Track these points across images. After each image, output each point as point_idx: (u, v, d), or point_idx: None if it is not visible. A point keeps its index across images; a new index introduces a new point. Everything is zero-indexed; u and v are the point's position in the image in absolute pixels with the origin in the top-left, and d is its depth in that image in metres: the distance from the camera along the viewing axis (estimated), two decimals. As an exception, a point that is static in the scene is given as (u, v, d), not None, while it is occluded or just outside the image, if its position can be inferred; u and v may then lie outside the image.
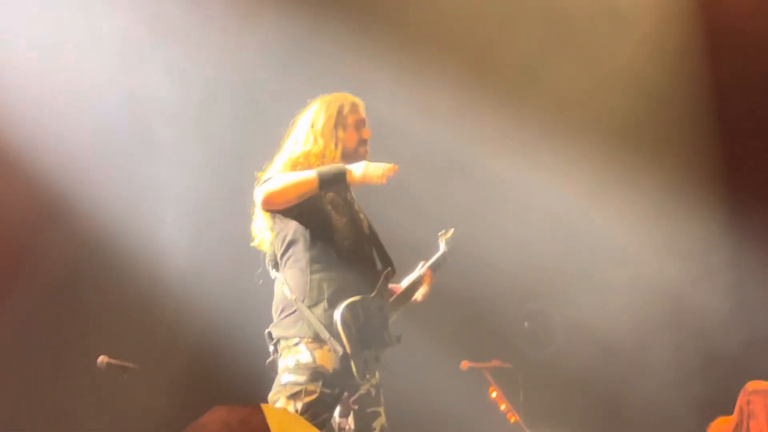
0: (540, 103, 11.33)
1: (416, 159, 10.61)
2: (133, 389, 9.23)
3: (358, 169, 7.89)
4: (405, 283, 8.27)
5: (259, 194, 7.79)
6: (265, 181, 7.81)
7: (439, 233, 8.54)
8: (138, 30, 10.79)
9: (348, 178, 7.81)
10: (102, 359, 8.89)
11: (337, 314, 7.72)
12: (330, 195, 7.89)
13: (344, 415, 7.89)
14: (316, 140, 8.01)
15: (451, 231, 8.55)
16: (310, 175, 7.70)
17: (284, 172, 7.84)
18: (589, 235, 11.32)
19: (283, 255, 7.88)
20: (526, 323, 11.26)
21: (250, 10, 11.21)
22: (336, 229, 7.89)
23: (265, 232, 7.99)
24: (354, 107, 8.11)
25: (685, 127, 11.92)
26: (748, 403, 9.75)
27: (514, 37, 11.49)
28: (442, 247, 8.50)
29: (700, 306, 11.64)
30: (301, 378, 7.60)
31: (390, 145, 9.78)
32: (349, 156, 7.93)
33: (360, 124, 8.05)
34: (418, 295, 8.32)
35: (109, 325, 10.28)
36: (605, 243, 11.40)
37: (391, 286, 8.16)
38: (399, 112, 10.60)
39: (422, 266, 8.36)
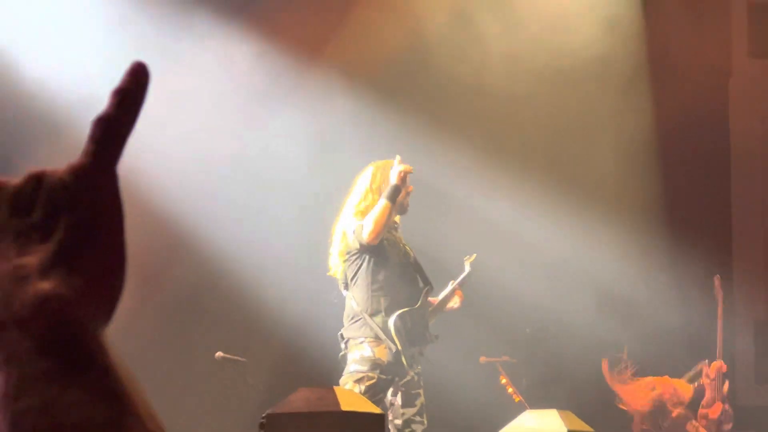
0: (537, 168, 11.15)
1: (446, 207, 10.56)
2: (241, 378, 9.35)
3: (394, 177, 7.93)
4: (441, 296, 8.42)
5: (365, 236, 7.85)
6: (362, 227, 7.85)
7: (465, 257, 8.65)
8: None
9: (399, 183, 7.85)
10: (218, 354, 9.11)
11: (391, 321, 7.91)
12: (383, 239, 7.98)
13: (395, 394, 8.05)
14: (374, 196, 8.02)
15: (474, 255, 8.63)
16: (383, 203, 7.79)
17: (358, 219, 7.93)
18: (568, 264, 11.08)
19: (352, 278, 8.01)
20: (527, 329, 10.93)
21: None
22: (390, 259, 8.03)
23: (338, 264, 8.10)
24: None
25: (641, 179, 11.79)
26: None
27: (523, 120, 11.17)
28: (467, 268, 8.58)
29: (644, 306, 11.26)
30: (364, 368, 7.86)
31: (431, 200, 9.84)
32: (402, 207, 8.07)
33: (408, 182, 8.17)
34: (453, 304, 8.41)
35: (222, 330, 10.19)
36: (579, 270, 11.09)
37: (430, 299, 8.28)
38: (440, 176, 10.43)
39: (452, 284, 8.47)
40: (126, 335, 9.42)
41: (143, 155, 9.40)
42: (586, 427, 7.64)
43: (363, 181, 8.11)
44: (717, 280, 10.45)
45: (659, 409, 10.01)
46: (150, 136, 9.08)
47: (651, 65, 11.32)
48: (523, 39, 10.90)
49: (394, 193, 7.76)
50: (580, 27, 10.97)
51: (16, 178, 0.96)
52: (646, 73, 11.23)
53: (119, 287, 0.97)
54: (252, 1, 10.50)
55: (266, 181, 10.37)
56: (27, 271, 0.93)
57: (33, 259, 0.94)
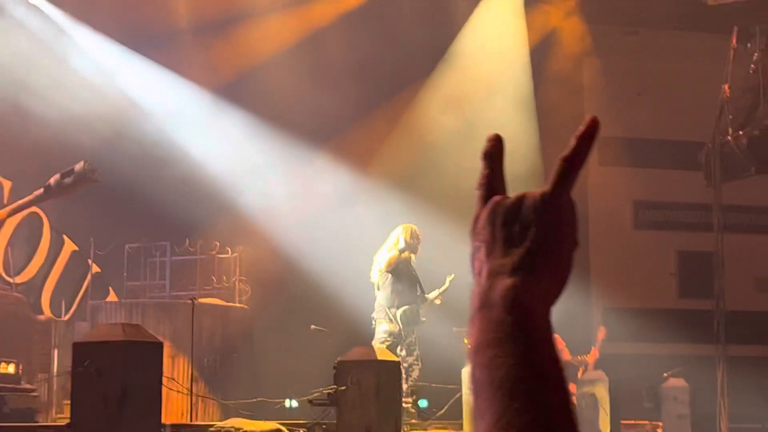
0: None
1: (439, 249, 10.99)
2: (324, 341, 10.80)
3: (402, 243, 9.50)
4: (429, 296, 10.01)
5: (383, 266, 9.61)
6: (385, 260, 9.62)
7: (447, 276, 10.13)
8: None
9: (404, 246, 9.48)
10: (312, 327, 10.87)
11: (399, 312, 9.63)
12: (401, 265, 9.71)
13: (401, 350, 9.59)
14: (398, 244, 9.76)
15: (453, 275, 10.08)
16: (394, 253, 9.68)
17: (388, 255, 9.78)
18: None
19: (381, 285, 9.84)
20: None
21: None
22: (402, 277, 9.73)
23: (374, 276, 9.97)
24: (417, 229, 9.92)
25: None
26: None
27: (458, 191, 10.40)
28: (447, 283, 10.14)
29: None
30: (384, 335, 9.73)
31: (433, 244, 10.58)
32: (415, 249, 9.88)
33: (420, 236, 9.89)
34: (437, 301, 10.09)
35: (327, 315, 11.69)
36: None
37: (425, 295, 10.06)
38: (436, 231, 11.24)
39: (437, 291, 10.06)
40: (262, 318, 12.02)
41: (278, 223, 12.68)
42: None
43: (394, 234, 9.87)
44: (599, 331, 13.29)
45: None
46: (281, 213, 12.62)
47: (545, 173, 13.87)
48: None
49: (402, 250, 9.78)
50: (518, 157, 13.10)
51: (510, 196, 1.07)
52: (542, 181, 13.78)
53: (564, 284, 1.06)
54: (329, 140, 13.77)
55: (344, 235, 12.89)
56: (504, 269, 1.04)
57: (509, 260, 1.04)
